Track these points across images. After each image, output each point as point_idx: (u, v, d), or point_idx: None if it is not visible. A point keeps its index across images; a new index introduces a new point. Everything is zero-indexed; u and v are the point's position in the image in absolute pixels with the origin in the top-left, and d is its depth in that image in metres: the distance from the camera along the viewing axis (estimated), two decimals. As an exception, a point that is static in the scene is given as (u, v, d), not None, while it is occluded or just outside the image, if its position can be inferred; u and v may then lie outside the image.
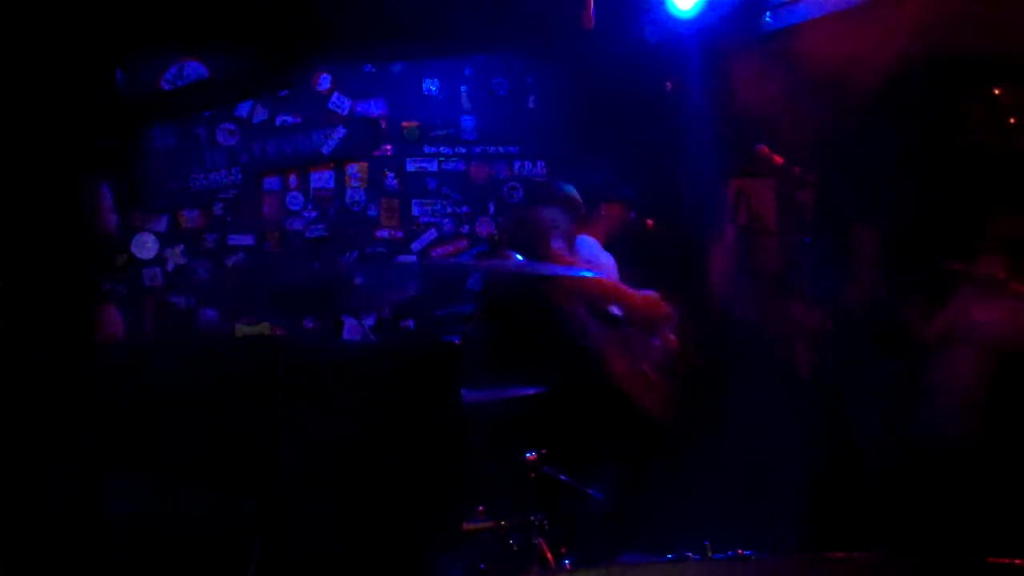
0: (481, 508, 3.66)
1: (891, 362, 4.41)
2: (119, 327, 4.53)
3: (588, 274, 4.65)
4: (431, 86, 5.96)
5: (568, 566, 3.46)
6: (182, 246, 5.63)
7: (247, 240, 5.71)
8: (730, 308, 4.36)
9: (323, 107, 5.82)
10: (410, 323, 5.87)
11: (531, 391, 3.94)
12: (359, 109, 5.87)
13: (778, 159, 3.91)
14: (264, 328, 5.57)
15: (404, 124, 5.92)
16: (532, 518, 3.52)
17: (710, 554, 2.12)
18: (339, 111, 5.84)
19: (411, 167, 5.93)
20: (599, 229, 4.86)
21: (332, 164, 5.83)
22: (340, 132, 5.83)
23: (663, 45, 5.29)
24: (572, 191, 4.45)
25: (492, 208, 6.01)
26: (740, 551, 2.12)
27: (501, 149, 6.03)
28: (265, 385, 2.81)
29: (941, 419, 4.28)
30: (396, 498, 2.96)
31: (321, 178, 5.82)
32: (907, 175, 4.58)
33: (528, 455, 3.66)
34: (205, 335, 5.52)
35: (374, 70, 5.86)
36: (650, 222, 4.97)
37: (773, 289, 4.40)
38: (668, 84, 5.40)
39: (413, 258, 5.90)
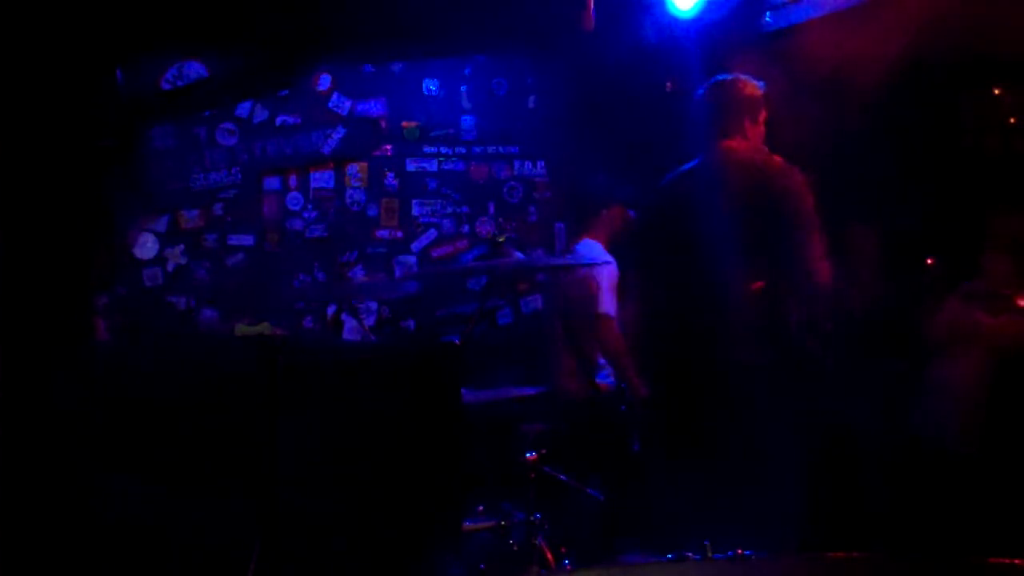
0: (481, 508, 3.66)
1: (892, 361, 4.41)
2: (101, 334, 4.54)
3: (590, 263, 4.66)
4: (431, 86, 5.96)
5: (568, 566, 3.46)
6: (182, 246, 5.63)
7: (247, 240, 5.72)
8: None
9: (323, 107, 5.82)
10: (410, 323, 5.87)
11: (531, 391, 3.94)
12: (359, 109, 5.87)
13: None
14: (264, 328, 5.57)
15: (404, 124, 5.92)
16: (532, 518, 3.52)
17: (710, 554, 2.11)
18: (339, 111, 5.84)
19: (411, 167, 5.93)
20: (601, 232, 4.86)
21: (332, 164, 5.83)
22: (340, 132, 5.83)
23: (663, 45, 5.29)
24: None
25: (492, 208, 6.01)
26: (740, 551, 2.11)
27: (501, 149, 6.03)
28: (265, 385, 2.81)
29: (942, 419, 4.29)
30: (396, 498, 2.96)
31: (321, 178, 5.82)
32: (907, 175, 4.58)
33: (528, 455, 3.66)
34: (205, 335, 5.51)
35: (374, 70, 5.87)
36: None
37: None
38: (668, 84, 5.40)
39: (413, 258, 5.91)
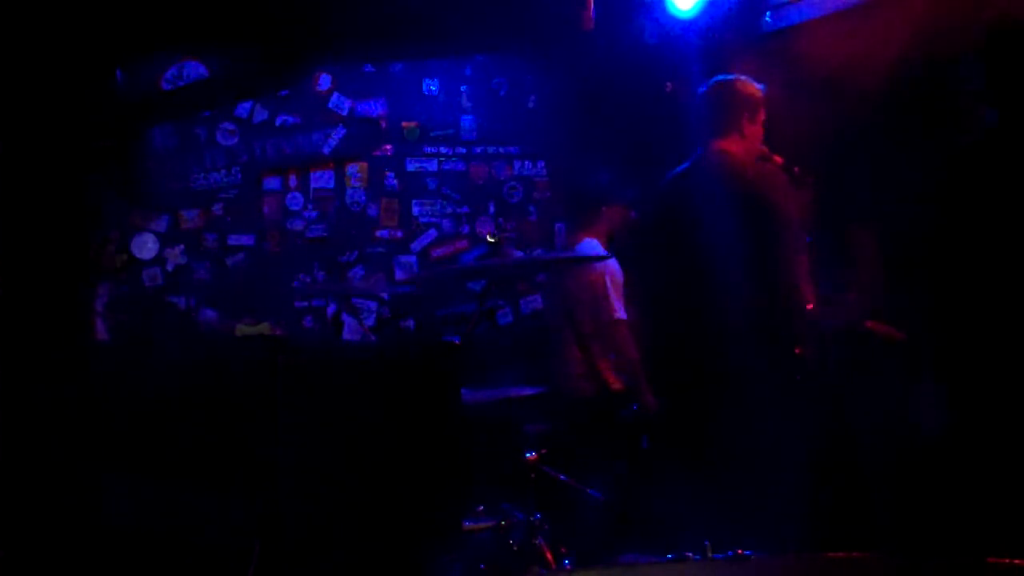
0: (481, 508, 3.66)
1: (892, 361, 4.41)
2: (100, 334, 4.54)
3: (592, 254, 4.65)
4: (431, 86, 5.96)
5: (568, 566, 3.47)
6: (182, 246, 5.63)
7: (247, 240, 5.72)
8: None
9: (323, 107, 5.82)
10: (410, 323, 5.87)
11: (531, 391, 3.94)
12: (359, 109, 5.87)
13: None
14: (264, 328, 5.57)
15: (404, 124, 5.92)
16: (532, 518, 3.52)
17: (710, 554, 2.11)
18: (339, 111, 5.84)
19: (411, 167, 5.93)
20: (601, 231, 4.85)
21: (332, 164, 5.83)
22: (340, 132, 5.84)
23: (663, 45, 5.29)
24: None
25: (492, 208, 6.01)
26: (740, 551, 2.11)
27: (501, 149, 6.03)
28: (265, 385, 2.81)
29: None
30: (396, 498, 2.96)
31: (321, 178, 5.82)
32: (907, 175, 4.58)
33: (528, 455, 3.67)
34: (205, 335, 5.52)
35: (374, 70, 5.87)
36: None
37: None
38: (668, 84, 5.40)
39: (413, 258, 5.90)
